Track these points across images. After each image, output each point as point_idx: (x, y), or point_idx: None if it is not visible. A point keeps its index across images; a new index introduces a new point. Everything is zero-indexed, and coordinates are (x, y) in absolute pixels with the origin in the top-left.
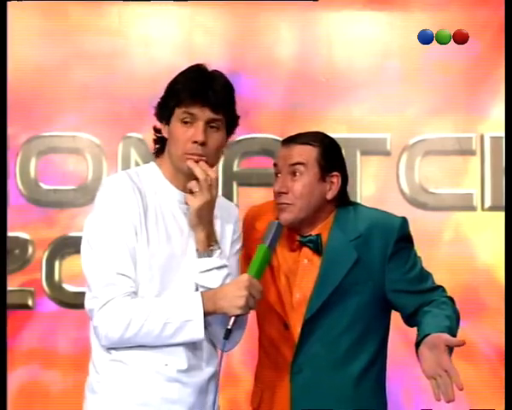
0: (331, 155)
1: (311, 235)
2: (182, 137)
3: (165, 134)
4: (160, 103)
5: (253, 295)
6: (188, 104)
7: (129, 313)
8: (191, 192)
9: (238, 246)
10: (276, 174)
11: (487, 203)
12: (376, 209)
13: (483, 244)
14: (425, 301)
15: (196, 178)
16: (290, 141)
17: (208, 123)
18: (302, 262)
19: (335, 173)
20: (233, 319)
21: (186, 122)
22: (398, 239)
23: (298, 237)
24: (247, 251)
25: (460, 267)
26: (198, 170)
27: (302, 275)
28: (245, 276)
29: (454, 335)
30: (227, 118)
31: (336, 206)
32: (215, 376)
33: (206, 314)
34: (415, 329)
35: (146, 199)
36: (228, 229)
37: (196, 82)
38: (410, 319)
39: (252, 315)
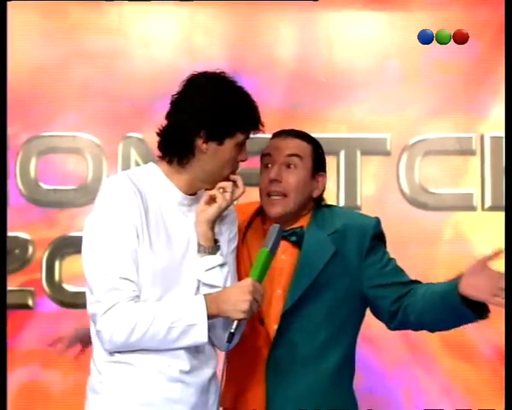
0: (321, 154)
1: (292, 228)
2: (235, 159)
3: (205, 150)
4: (215, 123)
5: (256, 299)
6: (249, 132)
7: (134, 318)
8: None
9: (234, 244)
10: (266, 165)
11: (487, 203)
12: (350, 210)
13: (483, 244)
14: (403, 293)
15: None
16: (285, 133)
17: None
18: (280, 257)
19: (322, 173)
20: (236, 322)
21: (240, 145)
22: (373, 236)
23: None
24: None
25: (460, 267)
26: (241, 183)
27: (281, 270)
28: (248, 280)
29: None
30: None
31: (314, 206)
32: (215, 376)
33: (209, 318)
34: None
35: (146, 200)
36: (225, 227)
37: (257, 112)
38: (393, 318)
39: None
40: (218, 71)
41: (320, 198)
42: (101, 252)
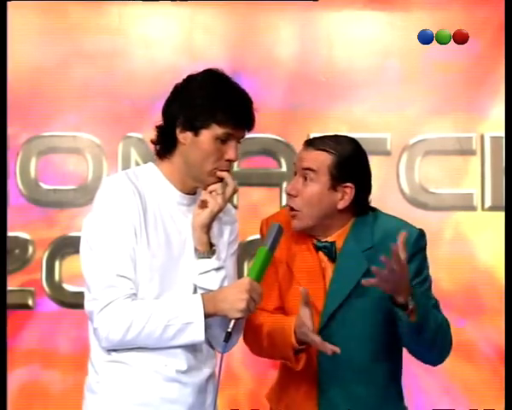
0: (347, 165)
1: (326, 241)
2: (216, 154)
3: (182, 140)
4: (191, 111)
5: (253, 298)
6: (229, 126)
7: (130, 316)
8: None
9: (235, 247)
10: (295, 174)
11: (487, 203)
12: (396, 218)
13: (483, 244)
14: None
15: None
16: (309, 143)
17: (238, 140)
18: (321, 266)
19: (349, 184)
20: (233, 321)
21: (222, 140)
22: (414, 253)
23: (314, 241)
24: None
25: (460, 267)
26: (230, 180)
27: (321, 279)
28: (246, 279)
29: (422, 310)
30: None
31: (354, 214)
32: (213, 376)
33: (206, 316)
34: None
35: (145, 200)
36: (226, 229)
37: (240, 107)
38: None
39: None
40: (218, 69)
41: (358, 207)
42: (99, 250)
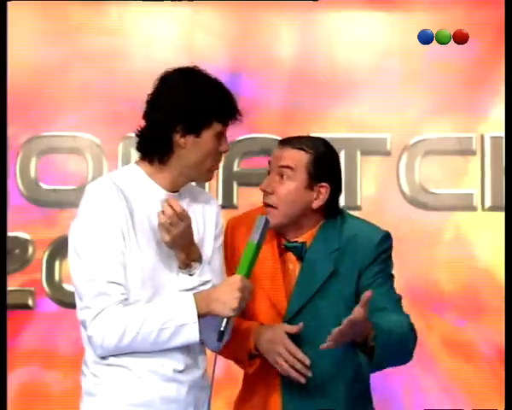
0: (323, 165)
1: (296, 241)
2: (216, 150)
3: (182, 144)
4: (190, 115)
5: (245, 296)
6: (226, 120)
7: (123, 322)
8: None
9: (221, 239)
10: (268, 172)
11: (487, 203)
12: (363, 221)
13: (483, 244)
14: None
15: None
16: (286, 142)
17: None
18: (288, 266)
19: (324, 184)
20: (225, 320)
21: (219, 136)
22: (377, 255)
23: (284, 242)
24: (229, 258)
25: (460, 267)
26: (166, 207)
27: (288, 280)
28: (237, 277)
29: (383, 337)
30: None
31: (324, 216)
32: (206, 373)
33: (199, 316)
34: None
35: (131, 202)
36: (209, 224)
37: (230, 99)
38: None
39: None
40: (190, 65)
41: (329, 208)
42: (88, 257)
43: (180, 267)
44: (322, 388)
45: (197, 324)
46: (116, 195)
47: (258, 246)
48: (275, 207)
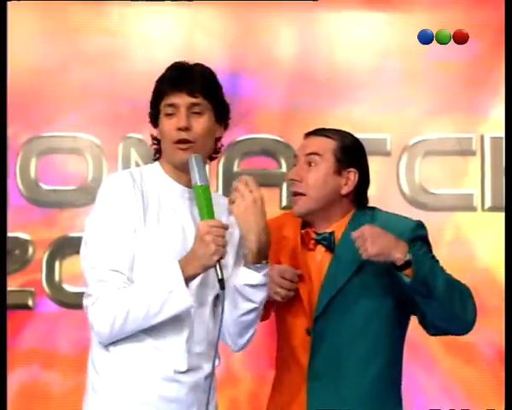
0: (350, 151)
1: (325, 232)
2: (168, 128)
3: (159, 137)
4: (150, 110)
5: (216, 235)
6: (168, 96)
7: (112, 305)
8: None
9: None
10: (294, 165)
11: (487, 204)
12: (395, 214)
13: (483, 244)
14: None
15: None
16: (311, 133)
17: (189, 109)
18: (317, 259)
19: (352, 169)
20: (218, 266)
21: (170, 114)
22: (411, 239)
23: (313, 235)
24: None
25: (460, 267)
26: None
27: (318, 272)
28: (199, 224)
29: (421, 265)
30: (210, 102)
31: (355, 207)
32: (213, 374)
33: (188, 280)
34: (414, 329)
35: (147, 197)
36: (232, 235)
37: (172, 73)
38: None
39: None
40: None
41: (359, 197)
42: (93, 244)
43: (248, 262)
44: (348, 379)
45: (185, 288)
46: (131, 187)
47: (204, 185)
48: (304, 195)
